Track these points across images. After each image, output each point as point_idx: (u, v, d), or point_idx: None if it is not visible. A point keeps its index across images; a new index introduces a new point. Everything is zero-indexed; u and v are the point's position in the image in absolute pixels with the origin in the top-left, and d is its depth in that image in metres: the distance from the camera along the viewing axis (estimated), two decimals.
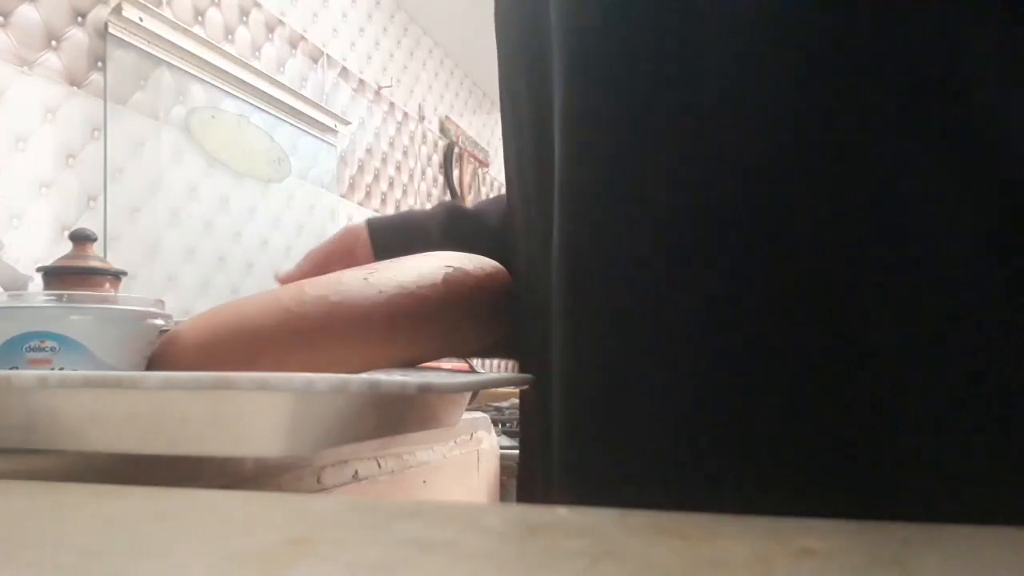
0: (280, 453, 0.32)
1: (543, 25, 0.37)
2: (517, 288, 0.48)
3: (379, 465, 0.57)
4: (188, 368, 0.43)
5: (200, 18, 1.68)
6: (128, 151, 1.43)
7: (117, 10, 1.41)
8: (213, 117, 1.68)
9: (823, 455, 0.27)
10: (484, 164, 3.43)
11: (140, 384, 0.31)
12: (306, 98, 2.03)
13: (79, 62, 1.33)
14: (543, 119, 0.37)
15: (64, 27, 1.31)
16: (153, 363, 0.45)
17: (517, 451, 0.48)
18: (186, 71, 1.60)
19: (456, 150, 3.11)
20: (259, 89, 1.83)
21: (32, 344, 0.41)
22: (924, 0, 0.26)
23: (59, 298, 0.42)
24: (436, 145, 3.02)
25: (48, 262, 0.74)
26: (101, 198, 1.36)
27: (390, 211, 2.53)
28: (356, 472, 0.53)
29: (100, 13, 1.38)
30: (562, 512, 0.18)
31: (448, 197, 3.05)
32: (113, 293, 0.73)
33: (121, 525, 0.18)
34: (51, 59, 1.28)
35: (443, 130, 3.09)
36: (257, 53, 1.88)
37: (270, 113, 1.90)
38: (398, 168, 2.67)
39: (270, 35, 1.94)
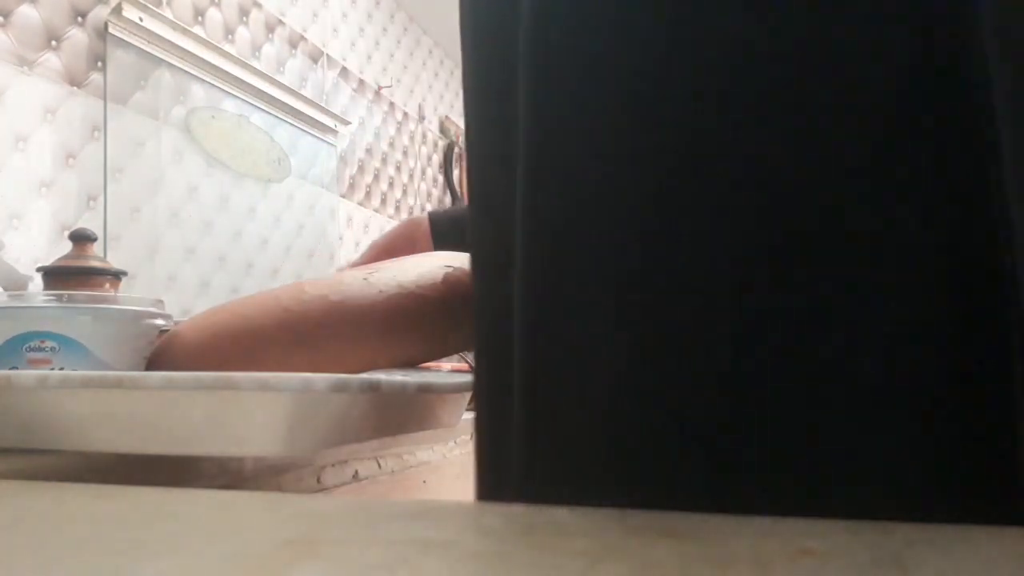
0: (280, 453, 0.32)
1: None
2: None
3: (379, 465, 0.57)
4: (188, 368, 0.43)
5: (200, 18, 1.68)
6: (128, 151, 1.43)
7: (117, 10, 1.41)
8: (213, 117, 1.68)
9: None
10: None
11: (141, 384, 0.31)
12: (306, 98, 2.03)
13: (79, 62, 1.33)
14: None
15: (64, 27, 1.31)
16: (153, 363, 0.45)
17: None
18: (186, 71, 1.60)
19: (456, 150, 3.11)
20: (259, 89, 1.83)
21: (32, 344, 0.41)
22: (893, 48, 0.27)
23: (59, 298, 0.42)
24: (436, 145, 3.02)
25: (48, 262, 0.74)
26: (101, 198, 1.36)
27: (390, 211, 2.53)
28: (356, 472, 0.53)
29: (100, 13, 1.38)
30: (562, 512, 0.18)
31: (448, 197, 3.05)
32: (113, 293, 0.73)
33: (121, 525, 0.18)
34: (51, 59, 1.28)
35: (443, 130, 3.09)
36: (257, 53, 1.88)
37: (270, 113, 1.90)
38: (398, 168, 2.67)
39: (270, 35, 1.94)
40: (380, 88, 2.56)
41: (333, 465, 0.51)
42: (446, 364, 0.84)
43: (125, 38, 1.43)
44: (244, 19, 1.83)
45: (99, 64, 1.37)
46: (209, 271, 1.65)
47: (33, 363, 0.41)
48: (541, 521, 0.18)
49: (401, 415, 0.46)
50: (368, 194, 2.43)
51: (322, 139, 2.13)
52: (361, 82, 2.44)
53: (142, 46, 1.48)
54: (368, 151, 2.46)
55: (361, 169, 2.40)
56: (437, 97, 3.05)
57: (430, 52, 3.00)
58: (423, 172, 2.88)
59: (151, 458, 0.35)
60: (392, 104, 2.65)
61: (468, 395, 0.59)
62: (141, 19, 1.45)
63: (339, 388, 0.31)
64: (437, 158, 3.02)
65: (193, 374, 0.31)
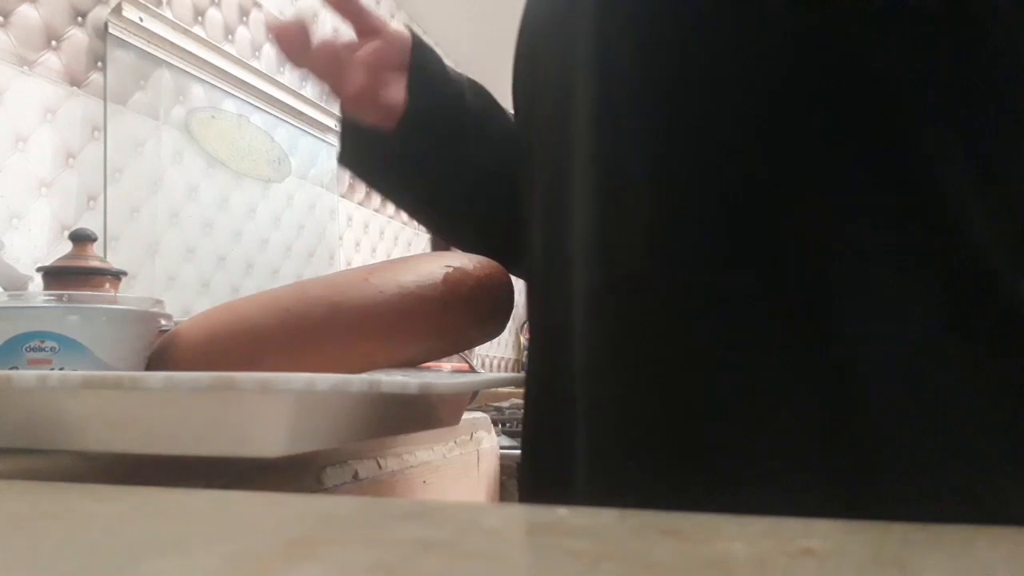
0: (280, 453, 0.32)
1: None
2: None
3: (379, 465, 0.57)
4: (188, 368, 0.43)
5: (200, 18, 1.68)
6: (128, 151, 1.43)
7: (117, 10, 1.41)
8: (213, 117, 1.68)
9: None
10: None
11: (141, 384, 0.31)
12: (306, 98, 2.03)
13: (79, 62, 1.33)
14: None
15: (64, 27, 1.31)
16: (153, 363, 0.45)
17: (518, 451, 0.48)
18: (186, 71, 1.60)
19: None
20: (259, 89, 1.83)
21: (32, 344, 0.41)
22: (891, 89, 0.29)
23: (59, 298, 0.42)
24: None
25: (48, 262, 0.74)
26: (101, 198, 1.36)
27: (390, 211, 2.53)
28: (356, 472, 0.53)
29: (100, 13, 1.38)
30: (562, 512, 0.18)
31: None
32: (113, 293, 0.73)
33: (121, 525, 0.18)
34: (51, 59, 1.28)
35: None
36: (257, 53, 1.88)
37: (270, 113, 1.90)
38: None
39: (270, 35, 1.94)
40: None
41: (333, 465, 0.51)
42: (446, 364, 0.84)
43: (125, 38, 1.43)
44: (244, 19, 1.83)
45: (99, 64, 1.37)
46: (209, 271, 1.64)
47: (33, 363, 0.41)
48: (541, 521, 0.18)
49: (401, 415, 0.46)
50: (368, 194, 2.43)
51: (322, 139, 2.13)
52: None
53: (142, 46, 1.47)
54: None
55: None
56: None
57: None
58: None
59: (151, 458, 0.35)
60: None
61: (468, 395, 0.59)
62: (141, 19, 1.45)
63: (340, 388, 0.31)
64: None
65: (193, 374, 0.31)
